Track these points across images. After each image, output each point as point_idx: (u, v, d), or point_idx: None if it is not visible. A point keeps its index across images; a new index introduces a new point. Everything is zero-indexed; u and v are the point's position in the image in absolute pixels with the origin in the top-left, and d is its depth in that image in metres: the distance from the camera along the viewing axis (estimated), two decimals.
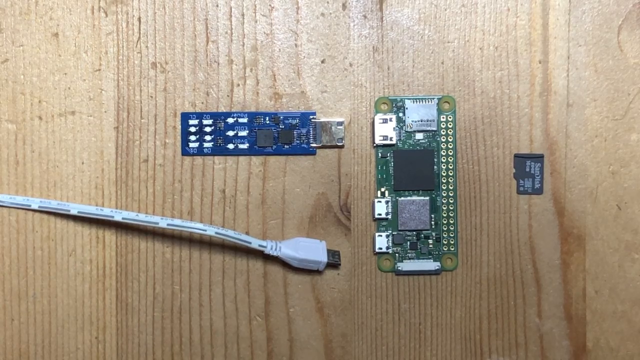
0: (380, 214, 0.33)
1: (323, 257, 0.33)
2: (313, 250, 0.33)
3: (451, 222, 0.34)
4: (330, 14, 0.34)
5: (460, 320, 0.34)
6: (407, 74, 0.34)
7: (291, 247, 0.33)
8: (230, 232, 0.32)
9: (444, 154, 0.34)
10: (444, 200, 0.34)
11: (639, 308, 0.34)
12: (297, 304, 0.34)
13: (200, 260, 0.34)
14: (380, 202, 0.33)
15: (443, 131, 0.34)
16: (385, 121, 0.33)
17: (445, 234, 0.34)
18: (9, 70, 0.34)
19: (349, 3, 0.34)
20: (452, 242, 0.34)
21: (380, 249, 0.34)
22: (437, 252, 0.34)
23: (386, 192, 0.34)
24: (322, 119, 0.34)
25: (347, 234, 0.34)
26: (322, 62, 0.34)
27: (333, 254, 0.34)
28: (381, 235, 0.34)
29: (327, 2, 0.34)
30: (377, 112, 0.34)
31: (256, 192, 0.34)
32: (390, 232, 0.34)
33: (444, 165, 0.34)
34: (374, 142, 0.34)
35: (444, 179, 0.34)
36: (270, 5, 0.34)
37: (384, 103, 0.34)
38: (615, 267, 0.34)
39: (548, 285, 0.34)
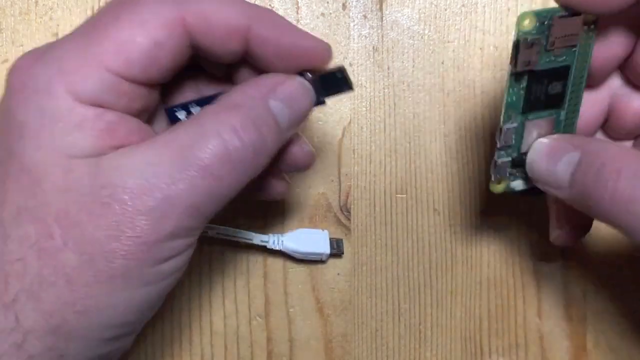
0: (506, 142, 0.29)
1: (326, 249, 0.33)
2: (316, 242, 0.33)
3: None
4: (330, 14, 0.34)
5: (460, 320, 0.34)
6: (407, 74, 0.34)
7: (293, 240, 0.33)
8: (231, 230, 0.32)
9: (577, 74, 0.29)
10: (568, 114, 0.30)
11: (639, 308, 0.34)
12: (297, 304, 0.34)
13: (200, 260, 0.34)
14: (509, 129, 0.29)
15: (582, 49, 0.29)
16: (532, 44, 0.28)
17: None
18: None
19: (349, 3, 0.34)
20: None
21: (500, 175, 0.29)
22: None
23: (513, 117, 0.29)
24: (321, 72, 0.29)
25: (347, 234, 0.34)
26: None
27: (337, 243, 0.33)
28: (504, 162, 0.29)
29: (327, 2, 0.34)
30: (519, 31, 0.27)
31: None
32: (511, 155, 0.30)
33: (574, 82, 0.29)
34: (515, 66, 0.28)
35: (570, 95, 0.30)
36: (270, 5, 0.34)
37: (528, 19, 0.27)
38: (615, 267, 0.34)
39: (548, 285, 0.34)
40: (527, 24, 0.27)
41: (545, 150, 0.28)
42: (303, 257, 0.33)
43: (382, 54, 0.34)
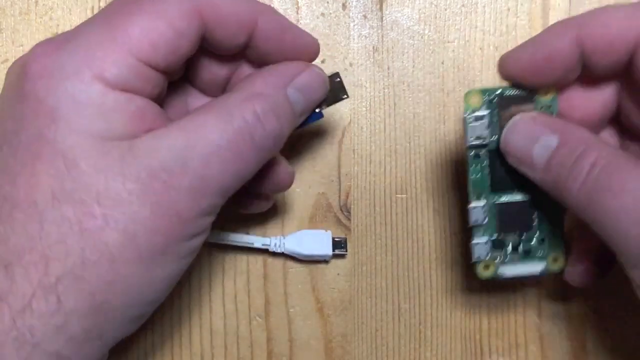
0: (477, 221, 0.29)
1: (328, 250, 0.33)
2: (318, 243, 0.33)
3: (557, 218, 0.29)
4: (330, 14, 0.34)
5: (460, 320, 0.34)
6: (407, 74, 0.34)
7: (295, 242, 0.33)
8: (232, 235, 0.33)
9: None
10: (550, 196, 0.28)
11: (639, 308, 0.34)
12: (297, 304, 0.34)
13: (200, 260, 0.34)
14: (476, 208, 0.29)
15: None
16: (478, 120, 0.28)
17: (550, 233, 0.29)
18: None
19: (349, 3, 0.34)
20: (558, 238, 0.29)
21: (479, 257, 0.29)
22: (541, 254, 0.30)
23: (482, 195, 0.29)
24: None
25: (347, 234, 0.34)
26: (322, 62, 0.34)
27: (339, 244, 0.33)
28: (479, 244, 0.29)
29: (327, 2, 0.34)
30: (467, 107, 0.28)
31: None
32: (487, 237, 0.29)
33: None
34: (466, 143, 0.29)
35: None
36: (270, 5, 0.34)
37: (475, 96, 0.28)
38: (616, 267, 0.34)
39: (548, 285, 0.34)
40: (474, 101, 0.28)
41: (522, 129, 0.28)
42: (305, 258, 0.33)
43: (382, 54, 0.34)
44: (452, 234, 0.34)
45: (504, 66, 0.28)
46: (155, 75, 0.25)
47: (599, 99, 0.28)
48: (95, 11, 0.34)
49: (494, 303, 0.34)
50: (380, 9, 0.34)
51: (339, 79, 0.29)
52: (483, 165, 0.29)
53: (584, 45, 0.26)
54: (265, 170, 0.28)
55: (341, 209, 0.34)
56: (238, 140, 0.24)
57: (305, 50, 0.28)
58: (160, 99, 0.27)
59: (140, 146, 0.23)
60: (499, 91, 0.28)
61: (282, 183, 0.30)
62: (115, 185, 0.22)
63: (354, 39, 0.34)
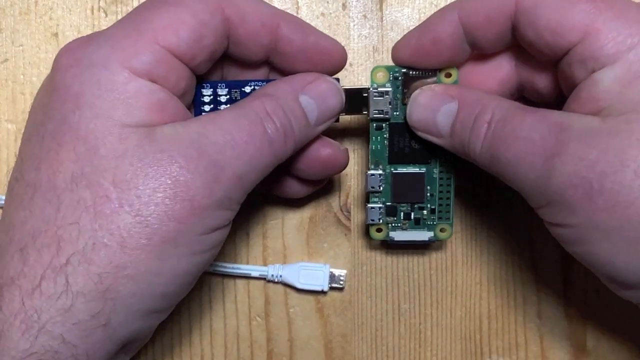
0: (373, 187, 0.31)
1: (324, 286, 0.34)
2: (315, 277, 0.34)
3: (447, 193, 0.32)
4: (330, 14, 0.34)
5: (460, 320, 0.34)
6: None
7: (293, 273, 0.34)
8: (229, 265, 0.33)
9: None
10: (441, 173, 0.31)
11: (639, 308, 0.34)
12: (297, 304, 0.34)
13: None
14: (373, 175, 0.31)
15: None
16: (381, 95, 0.30)
17: (440, 205, 0.32)
18: (9, 70, 0.34)
19: (349, 3, 0.34)
20: (447, 211, 0.32)
21: (373, 220, 0.31)
22: (431, 223, 0.32)
23: (380, 165, 0.31)
24: (347, 86, 0.30)
25: (347, 234, 0.34)
26: None
27: (338, 279, 0.34)
28: (374, 208, 0.31)
29: (327, 2, 0.34)
30: (373, 82, 0.30)
31: None
32: (382, 203, 0.31)
33: None
34: (369, 115, 0.31)
35: (441, 151, 0.31)
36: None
37: (380, 72, 0.30)
38: None
39: (548, 285, 0.34)
40: (380, 76, 0.30)
41: (423, 101, 0.29)
42: (302, 288, 0.34)
43: (382, 54, 0.34)
44: (452, 233, 0.34)
45: (396, 53, 0.29)
46: (179, 65, 0.25)
47: (497, 73, 0.29)
48: (95, 11, 0.34)
49: (494, 303, 0.34)
50: (380, 9, 0.34)
51: (367, 94, 0.30)
52: (384, 137, 0.31)
53: (465, 24, 0.27)
54: (316, 152, 0.29)
55: (341, 209, 0.34)
56: (250, 129, 0.25)
57: (331, 55, 0.29)
58: (186, 98, 0.27)
59: (159, 133, 0.24)
60: (404, 69, 0.30)
61: (337, 162, 0.30)
62: (131, 169, 0.23)
63: (354, 39, 0.34)
